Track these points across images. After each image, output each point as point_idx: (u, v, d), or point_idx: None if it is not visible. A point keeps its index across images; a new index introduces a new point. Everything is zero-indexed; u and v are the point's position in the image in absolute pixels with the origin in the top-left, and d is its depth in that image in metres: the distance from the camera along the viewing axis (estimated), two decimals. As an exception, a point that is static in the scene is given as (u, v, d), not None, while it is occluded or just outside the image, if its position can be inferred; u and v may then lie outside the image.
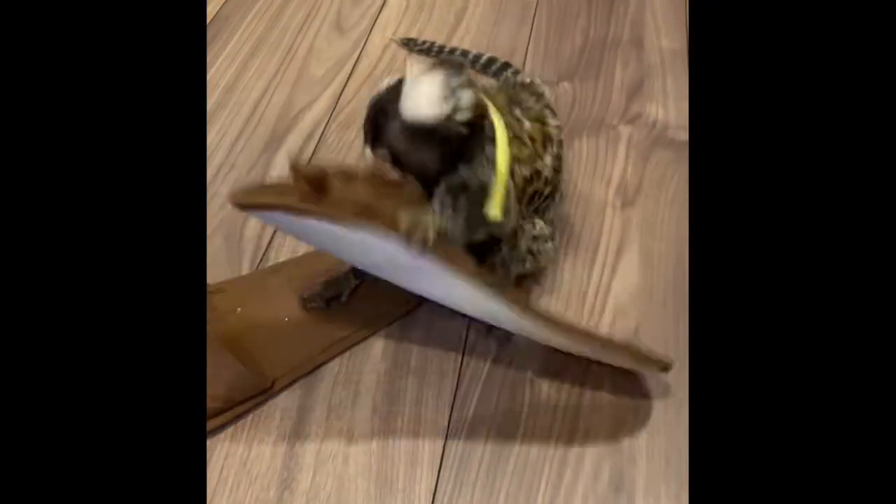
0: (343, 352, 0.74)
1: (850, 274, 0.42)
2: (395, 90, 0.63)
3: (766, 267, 0.43)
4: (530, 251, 0.73)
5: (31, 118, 0.42)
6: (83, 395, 0.41)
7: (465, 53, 1.03)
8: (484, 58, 0.99)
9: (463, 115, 0.62)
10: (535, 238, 0.73)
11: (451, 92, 0.62)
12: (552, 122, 0.75)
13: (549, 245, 0.75)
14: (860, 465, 0.40)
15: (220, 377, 0.67)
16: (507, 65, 0.98)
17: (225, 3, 1.17)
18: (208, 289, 0.77)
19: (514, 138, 0.68)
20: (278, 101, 1.01)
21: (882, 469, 0.39)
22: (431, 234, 0.61)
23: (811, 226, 0.43)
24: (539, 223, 0.73)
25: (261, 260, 0.82)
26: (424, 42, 1.07)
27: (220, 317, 0.75)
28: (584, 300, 0.78)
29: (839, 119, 0.43)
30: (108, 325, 0.42)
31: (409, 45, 1.08)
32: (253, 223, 0.85)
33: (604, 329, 0.76)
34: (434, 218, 0.63)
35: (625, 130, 0.97)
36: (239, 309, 0.76)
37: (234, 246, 0.83)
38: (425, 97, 0.61)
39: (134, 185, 0.43)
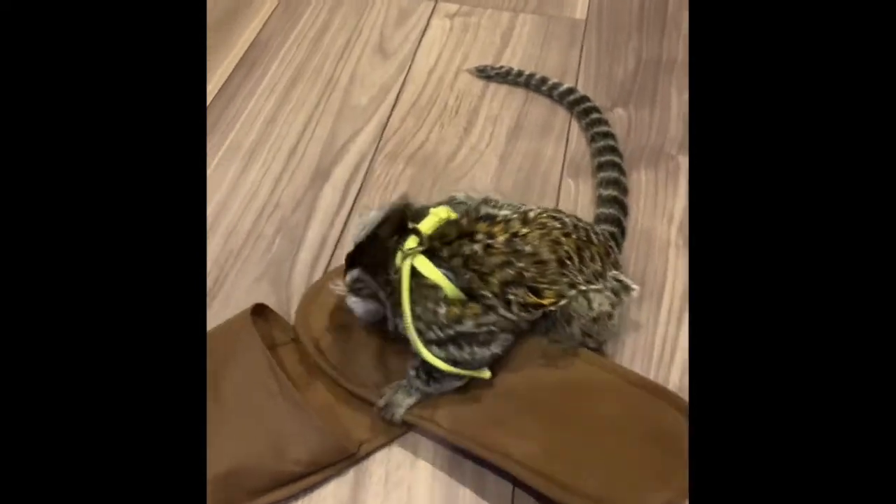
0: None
1: (863, 316, 0.41)
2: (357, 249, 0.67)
3: (776, 308, 0.42)
4: (586, 333, 0.68)
5: (38, 127, 0.43)
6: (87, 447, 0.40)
7: (543, 80, 1.01)
8: (563, 87, 0.99)
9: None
10: (594, 320, 0.66)
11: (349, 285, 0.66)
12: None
13: (614, 320, 0.68)
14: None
15: (304, 440, 0.64)
16: (585, 98, 0.97)
17: (263, 27, 1.13)
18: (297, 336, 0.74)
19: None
20: (321, 133, 0.97)
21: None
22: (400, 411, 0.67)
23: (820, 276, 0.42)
24: (598, 298, 0.65)
25: (310, 307, 0.79)
26: (502, 67, 1.04)
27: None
28: (651, 350, 0.74)
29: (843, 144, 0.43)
30: (107, 365, 0.41)
31: (485, 72, 1.04)
32: (300, 267, 0.82)
33: (673, 384, 0.71)
34: (403, 396, 0.67)
35: (684, 161, 0.92)
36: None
37: (283, 290, 0.80)
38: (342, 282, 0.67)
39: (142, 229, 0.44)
